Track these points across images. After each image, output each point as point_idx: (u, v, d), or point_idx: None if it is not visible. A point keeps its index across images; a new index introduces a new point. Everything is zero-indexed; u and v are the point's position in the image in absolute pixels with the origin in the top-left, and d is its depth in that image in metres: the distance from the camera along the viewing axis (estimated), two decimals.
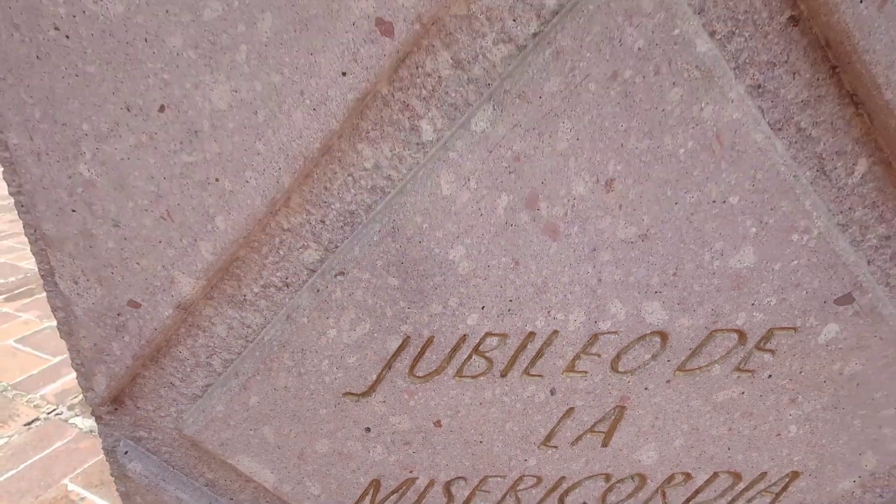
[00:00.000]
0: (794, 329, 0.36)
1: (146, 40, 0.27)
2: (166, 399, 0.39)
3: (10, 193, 0.32)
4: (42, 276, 0.35)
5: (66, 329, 0.36)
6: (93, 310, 0.34)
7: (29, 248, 3.05)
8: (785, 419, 0.39)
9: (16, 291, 2.58)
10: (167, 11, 0.27)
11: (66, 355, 2.06)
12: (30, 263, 2.87)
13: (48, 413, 1.69)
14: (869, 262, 0.36)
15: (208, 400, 0.38)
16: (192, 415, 0.39)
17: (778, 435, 0.40)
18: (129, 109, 0.29)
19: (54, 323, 2.24)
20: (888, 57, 0.29)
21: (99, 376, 0.36)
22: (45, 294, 2.52)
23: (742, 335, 0.36)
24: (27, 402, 1.85)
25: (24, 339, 2.17)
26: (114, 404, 0.39)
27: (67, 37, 0.27)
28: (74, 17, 0.27)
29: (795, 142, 0.32)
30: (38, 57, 0.28)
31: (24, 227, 0.34)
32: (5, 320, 2.36)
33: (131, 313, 0.34)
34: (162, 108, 0.29)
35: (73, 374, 1.94)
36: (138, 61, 0.28)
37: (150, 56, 0.28)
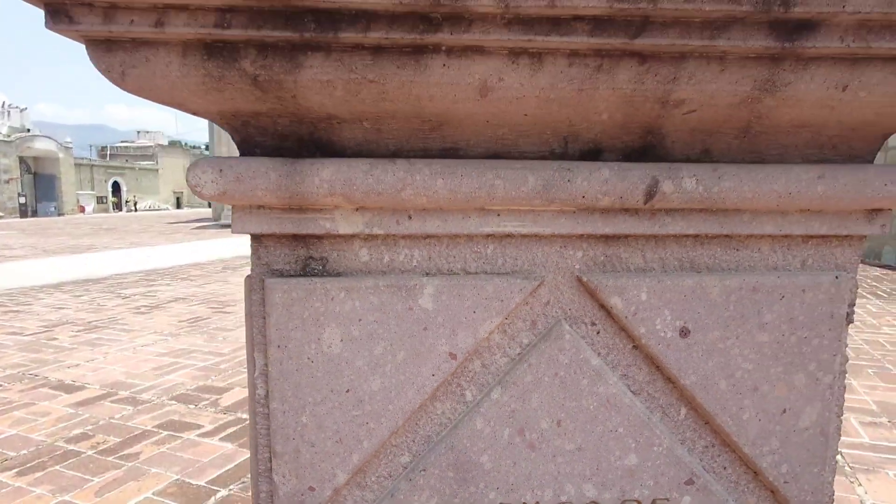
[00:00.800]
0: (667, 499, 0.66)
1: (346, 362, 0.62)
2: None
3: (258, 429, 0.64)
4: (259, 472, 0.65)
5: (267, 502, 0.65)
6: (289, 492, 0.63)
7: (40, 418, 3.17)
8: None
9: (28, 465, 2.67)
10: (358, 350, 0.62)
11: None
12: (41, 435, 2.98)
13: None
14: (700, 460, 0.68)
15: None
16: None
17: None
18: (332, 391, 0.62)
19: (67, 497, 2.33)
20: (676, 366, 0.64)
21: None
22: (57, 467, 2.64)
23: (639, 503, 0.66)
24: None
25: None
26: None
27: (312, 361, 0.61)
28: (318, 353, 0.61)
29: (646, 400, 0.66)
30: (296, 369, 0.61)
31: (254, 444, 0.65)
32: (17, 496, 2.44)
33: (309, 494, 0.63)
34: (348, 391, 0.62)
35: None
36: (340, 370, 0.62)
37: (346, 368, 0.62)
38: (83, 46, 0.49)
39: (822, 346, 0.64)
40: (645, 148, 0.60)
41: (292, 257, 0.61)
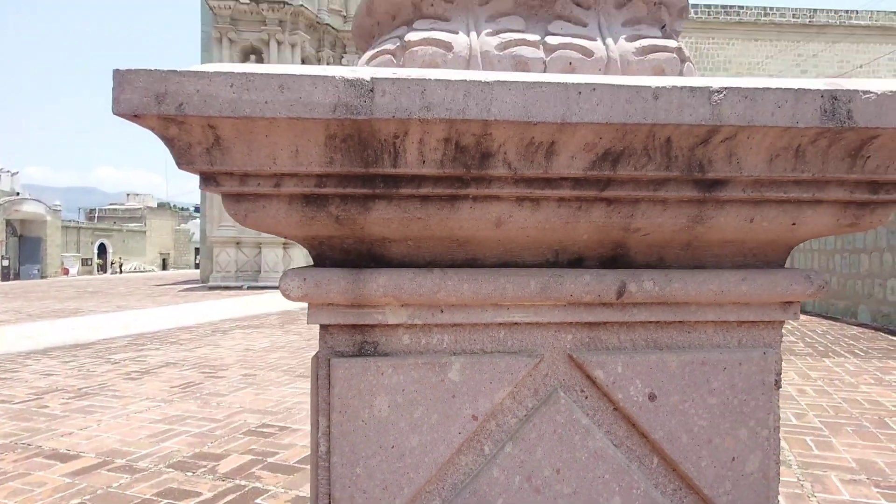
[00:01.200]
0: None
1: (392, 424, 0.79)
2: None
3: (319, 480, 0.80)
4: None
5: None
6: None
7: (36, 489, 3.17)
8: None
9: None
10: (401, 414, 0.79)
11: None
12: None
13: None
14: (671, 501, 0.84)
15: None
16: None
17: None
18: (380, 447, 0.79)
19: None
20: (647, 424, 0.82)
21: None
22: None
23: None
24: None
25: None
26: None
27: (365, 423, 0.79)
28: (370, 416, 0.79)
29: (626, 451, 0.84)
30: (353, 430, 0.79)
31: (314, 492, 0.81)
32: None
33: None
34: (393, 446, 0.79)
35: None
36: (387, 430, 0.79)
37: (392, 428, 0.79)
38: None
39: (758, 407, 0.83)
40: (615, 257, 0.82)
41: (351, 342, 0.80)
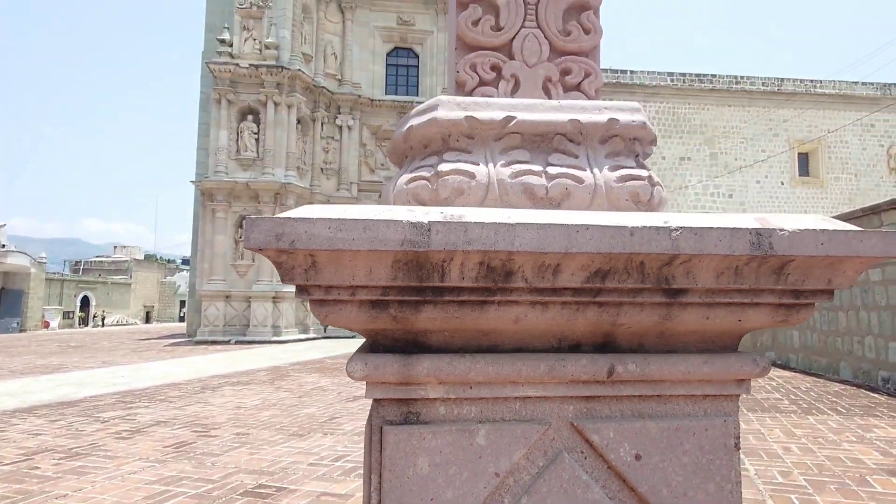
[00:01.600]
0: None
1: (431, 480, 0.98)
2: None
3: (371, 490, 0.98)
4: None
5: None
6: None
7: None
8: None
9: None
10: (438, 471, 0.99)
11: None
12: None
13: None
14: None
15: None
16: None
17: None
18: (421, 500, 0.98)
19: None
20: (635, 479, 1.02)
21: None
22: None
23: None
24: None
25: None
26: None
27: (410, 479, 0.98)
28: (413, 474, 0.98)
29: (614, 497, 1.03)
30: (400, 485, 0.97)
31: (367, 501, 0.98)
32: None
33: None
34: (432, 499, 0.98)
35: None
36: (427, 485, 0.98)
37: (431, 484, 0.98)
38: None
39: (722, 465, 1.04)
40: (605, 343, 1.04)
41: (398, 412, 1.01)
